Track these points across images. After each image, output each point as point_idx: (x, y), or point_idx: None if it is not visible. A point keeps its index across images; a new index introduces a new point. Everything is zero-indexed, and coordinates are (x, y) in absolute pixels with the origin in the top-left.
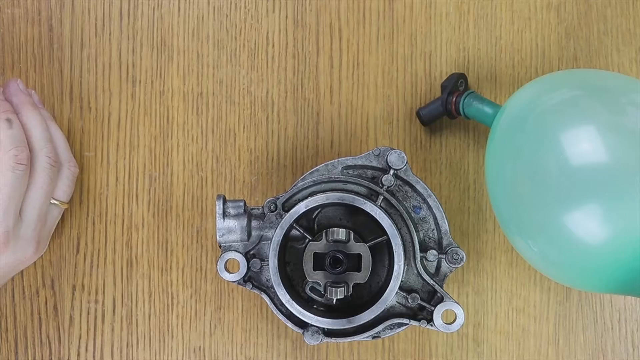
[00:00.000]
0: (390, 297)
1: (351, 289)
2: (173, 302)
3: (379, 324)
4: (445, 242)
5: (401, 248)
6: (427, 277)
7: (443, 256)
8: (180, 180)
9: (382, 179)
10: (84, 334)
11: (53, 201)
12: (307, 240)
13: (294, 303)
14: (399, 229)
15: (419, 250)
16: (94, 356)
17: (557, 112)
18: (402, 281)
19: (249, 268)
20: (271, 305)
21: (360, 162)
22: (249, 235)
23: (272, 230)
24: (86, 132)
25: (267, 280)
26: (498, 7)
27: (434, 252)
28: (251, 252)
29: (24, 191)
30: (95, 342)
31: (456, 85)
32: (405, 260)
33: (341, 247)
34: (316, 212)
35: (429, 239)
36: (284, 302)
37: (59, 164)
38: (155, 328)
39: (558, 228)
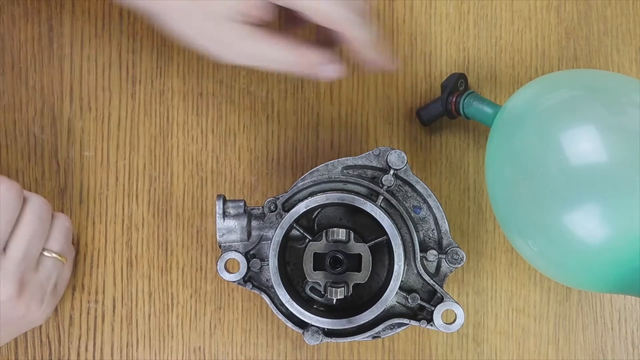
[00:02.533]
0: (390, 297)
1: (351, 289)
2: (173, 302)
3: (379, 324)
4: (445, 242)
5: (401, 248)
6: (427, 277)
7: (443, 256)
8: (180, 180)
9: (382, 179)
10: (84, 334)
11: (46, 253)
12: (307, 240)
13: (294, 303)
14: (399, 229)
15: (419, 250)
16: (94, 356)
17: (557, 112)
18: (402, 281)
19: (249, 268)
20: (271, 305)
21: (360, 162)
22: (249, 235)
23: (272, 230)
24: (86, 132)
25: (267, 280)
26: (498, 7)
27: (434, 252)
28: (251, 252)
29: (10, 221)
30: (95, 342)
31: (456, 85)
32: (405, 260)
33: (341, 247)
34: (316, 212)
35: (429, 239)
36: (284, 302)
37: (50, 211)
38: (155, 328)
39: (558, 228)
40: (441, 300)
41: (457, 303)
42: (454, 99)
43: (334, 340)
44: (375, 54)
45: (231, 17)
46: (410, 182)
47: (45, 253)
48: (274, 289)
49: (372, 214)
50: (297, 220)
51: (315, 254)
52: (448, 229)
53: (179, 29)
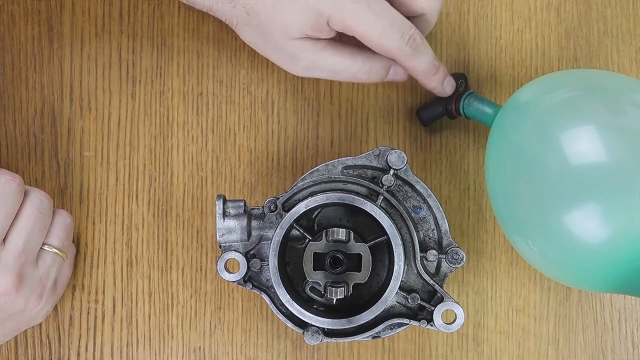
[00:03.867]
0: (390, 297)
1: (351, 289)
2: (173, 302)
3: (379, 324)
4: (445, 242)
5: (401, 248)
6: (427, 277)
7: (443, 256)
8: (180, 180)
9: (382, 179)
10: (84, 334)
11: (46, 247)
12: (307, 240)
13: (294, 303)
14: (399, 229)
15: (419, 250)
16: (94, 356)
17: (557, 112)
18: (402, 281)
19: (249, 268)
20: (271, 305)
21: (360, 162)
22: (249, 235)
23: (272, 230)
24: (86, 132)
25: (267, 280)
26: (498, 7)
27: (434, 252)
28: (251, 252)
29: (10, 213)
30: (95, 342)
31: (456, 85)
32: (405, 260)
33: (341, 247)
34: (316, 212)
35: (429, 239)
36: (284, 302)
37: (51, 206)
38: (155, 328)
39: (558, 227)
40: (441, 300)
41: (457, 303)
42: (454, 99)
43: (334, 340)
44: (434, 81)
45: (297, 37)
46: (410, 182)
47: (45, 248)
48: (274, 289)
49: (372, 214)
50: (297, 220)
51: (315, 254)
52: (448, 229)
53: (254, 42)
